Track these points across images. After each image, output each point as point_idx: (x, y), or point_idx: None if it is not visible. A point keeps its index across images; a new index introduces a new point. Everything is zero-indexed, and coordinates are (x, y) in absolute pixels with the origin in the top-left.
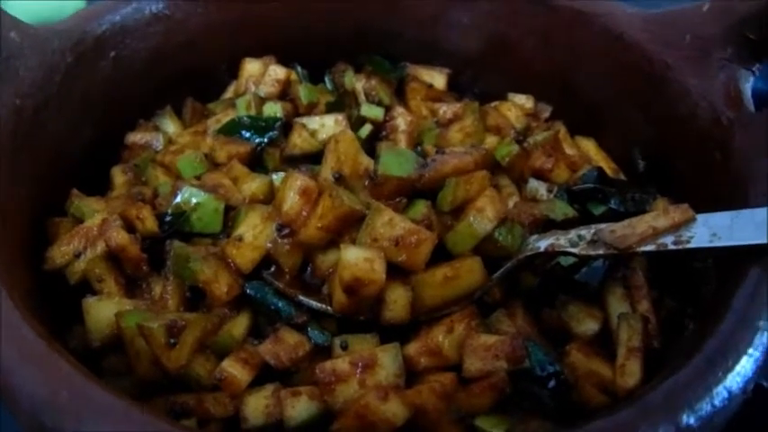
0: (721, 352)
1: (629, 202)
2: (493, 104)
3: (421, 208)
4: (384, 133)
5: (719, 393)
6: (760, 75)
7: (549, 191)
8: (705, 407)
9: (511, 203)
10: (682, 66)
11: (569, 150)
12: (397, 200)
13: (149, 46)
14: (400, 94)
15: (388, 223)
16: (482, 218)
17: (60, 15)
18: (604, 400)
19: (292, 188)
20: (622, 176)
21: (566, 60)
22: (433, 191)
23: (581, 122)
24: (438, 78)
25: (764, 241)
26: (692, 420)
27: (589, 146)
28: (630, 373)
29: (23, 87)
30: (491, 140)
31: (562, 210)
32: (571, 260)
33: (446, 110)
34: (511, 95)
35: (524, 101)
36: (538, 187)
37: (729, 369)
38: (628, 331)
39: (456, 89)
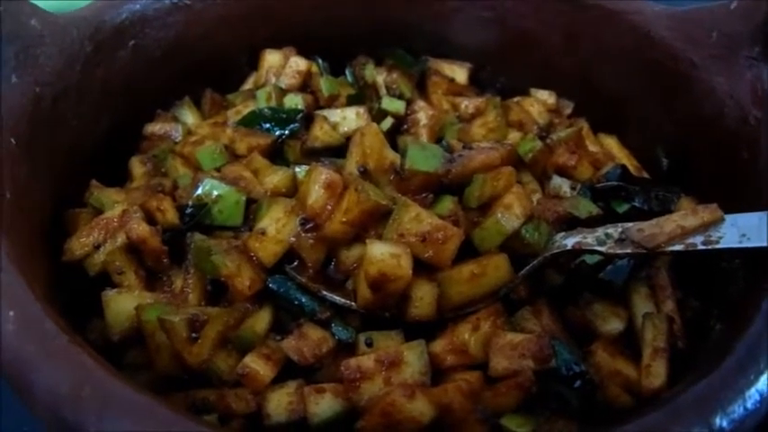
0: (752, 354)
1: (653, 200)
2: (515, 100)
3: (448, 204)
4: (405, 127)
5: (751, 396)
6: None
7: (573, 188)
8: (737, 409)
9: (534, 200)
10: (708, 64)
11: (592, 147)
12: (424, 195)
13: (169, 36)
14: (421, 88)
15: (415, 219)
16: (510, 215)
17: (75, 4)
18: (629, 400)
19: (317, 182)
20: (645, 174)
21: (589, 57)
22: (459, 186)
23: (604, 119)
24: (459, 73)
25: None
26: (724, 423)
27: (612, 143)
28: (656, 373)
29: (43, 75)
30: (513, 136)
31: (586, 207)
32: (596, 258)
33: (468, 104)
34: (533, 91)
35: (547, 96)
36: (561, 184)
37: (761, 372)
38: (653, 331)
39: (477, 84)
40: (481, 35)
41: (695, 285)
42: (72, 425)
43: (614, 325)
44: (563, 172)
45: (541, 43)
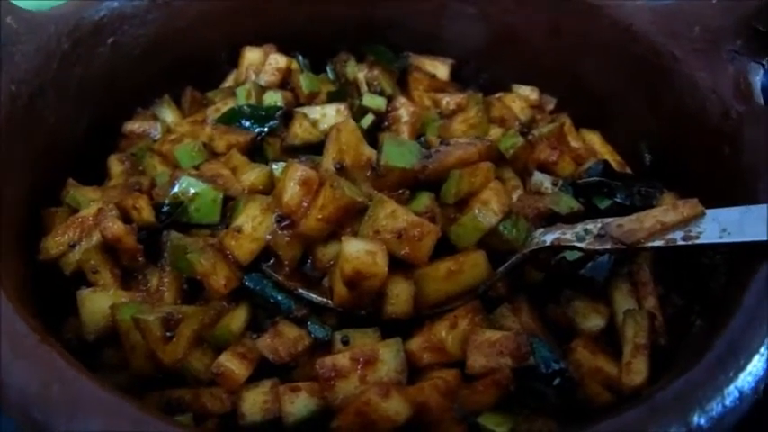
0: (732, 351)
1: (635, 196)
2: (497, 96)
3: (424, 200)
4: (386, 124)
5: (731, 393)
6: None
7: (554, 184)
8: (716, 407)
9: (515, 196)
10: (690, 58)
11: (574, 143)
12: (400, 191)
13: (148, 33)
14: (403, 84)
15: (391, 215)
16: (487, 211)
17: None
18: (609, 397)
19: (293, 178)
20: (628, 170)
21: (572, 52)
22: (436, 183)
23: (586, 115)
24: (441, 69)
25: None
26: (702, 421)
27: (594, 139)
28: (637, 370)
29: (19, 73)
30: (495, 132)
31: (567, 203)
32: (576, 255)
33: (449, 101)
34: (515, 87)
35: (529, 92)
36: (542, 180)
37: (741, 368)
38: (634, 327)
39: (459, 80)
40: (464, 30)
41: (677, 281)
42: (41, 424)
43: (595, 322)
44: (544, 168)
45: (524, 38)
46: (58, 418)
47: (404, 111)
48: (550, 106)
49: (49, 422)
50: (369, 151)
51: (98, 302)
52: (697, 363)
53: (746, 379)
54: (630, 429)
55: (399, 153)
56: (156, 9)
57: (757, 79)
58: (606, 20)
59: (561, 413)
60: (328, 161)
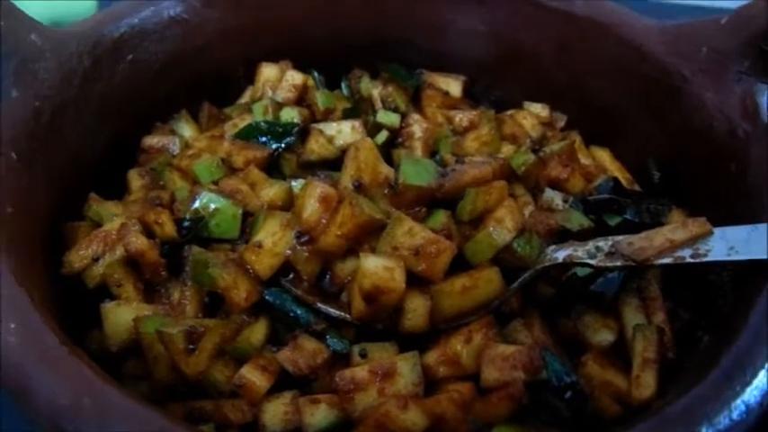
0: (739, 366)
1: (644, 213)
2: (509, 113)
3: (441, 218)
4: (400, 140)
5: (737, 407)
6: None
7: (565, 201)
8: (723, 420)
9: (526, 213)
10: (698, 78)
11: (585, 160)
12: (417, 209)
13: (166, 49)
14: (416, 101)
15: (409, 232)
16: (501, 228)
17: (70, 16)
18: (619, 410)
19: (312, 195)
20: (637, 187)
21: (582, 70)
22: (452, 200)
23: (596, 132)
24: (454, 86)
25: None
26: None
27: (604, 156)
28: (646, 384)
29: (42, 90)
30: (507, 149)
31: (578, 220)
32: (587, 270)
33: (462, 117)
34: (527, 104)
35: (540, 110)
36: (553, 197)
37: (747, 383)
38: (643, 342)
39: (471, 97)
40: (475, 48)
41: (685, 296)
42: None
43: (605, 336)
44: (555, 185)
45: (534, 56)
46: (89, 429)
47: (417, 127)
48: (561, 123)
49: None
50: (386, 169)
51: (122, 315)
52: (705, 378)
53: (753, 393)
54: None
55: (416, 172)
56: (175, 26)
57: (764, 99)
58: (616, 39)
59: (572, 425)
60: (347, 179)
